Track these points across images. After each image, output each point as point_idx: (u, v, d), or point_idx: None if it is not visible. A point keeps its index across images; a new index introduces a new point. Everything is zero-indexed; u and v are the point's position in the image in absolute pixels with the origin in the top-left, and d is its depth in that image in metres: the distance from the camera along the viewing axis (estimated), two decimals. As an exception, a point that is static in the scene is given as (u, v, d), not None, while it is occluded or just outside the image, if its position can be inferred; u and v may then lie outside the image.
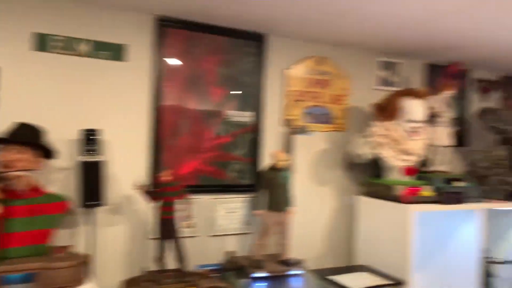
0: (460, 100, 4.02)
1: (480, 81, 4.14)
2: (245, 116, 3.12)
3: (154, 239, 2.64)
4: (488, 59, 3.68)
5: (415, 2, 2.43)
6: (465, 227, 3.24)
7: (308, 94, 3.34)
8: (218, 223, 3.06)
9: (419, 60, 3.82)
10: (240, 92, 3.09)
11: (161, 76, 2.84)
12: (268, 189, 2.79)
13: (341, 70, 3.46)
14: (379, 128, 3.16)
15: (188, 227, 2.59)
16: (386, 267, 3.05)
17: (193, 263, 2.87)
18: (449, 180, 3.29)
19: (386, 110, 3.13)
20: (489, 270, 3.39)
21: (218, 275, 2.84)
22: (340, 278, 2.89)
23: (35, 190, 2.36)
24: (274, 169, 2.81)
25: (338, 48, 3.45)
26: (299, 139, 3.23)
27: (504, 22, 2.71)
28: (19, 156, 2.28)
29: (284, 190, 2.81)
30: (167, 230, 2.54)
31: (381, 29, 2.96)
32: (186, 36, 2.91)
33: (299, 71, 3.30)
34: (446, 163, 3.51)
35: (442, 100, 3.38)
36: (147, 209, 2.83)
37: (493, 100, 4.23)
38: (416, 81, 3.80)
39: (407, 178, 3.20)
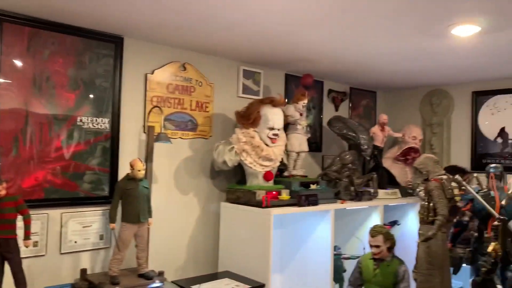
0: (315, 109, 4.33)
1: (331, 91, 4.53)
2: (101, 123, 2.92)
3: (-12, 263, 2.31)
4: (338, 71, 4.04)
5: (275, 14, 2.53)
6: (319, 227, 3.48)
7: (171, 101, 3.27)
8: (70, 239, 2.80)
9: (279, 70, 4.02)
10: (95, 96, 2.88)
11: (-2, 76, 2.50)
12: (125, 200, 2.64)
13: (205, 77, 3.46)
14: (242, 135, 3.23)
15: (28, 246, 2.31)
16: (248, 272, 3.11)
17: (41, 285, 2.59)
18: (304, 184, 3.51)
19: (248, 117, 3.22)
20: (341, 265, 3.68)
21: (69, 296, 2.60)
22: (202, 287, 2.86)
23: None
24: (131, 178, 2.67)
25: (201, 55, 3.45)
26: (161, 147, 3.13)
27: (352, 39, 2.99)
28: None
29: (143, 200, 2.69)
30: (2, 251, 2.23)
31: (242, 38, 3.03)
32: (29, 33, 2.61)
33: (161, 76, 3.21)
34: (302, 167, 3.74)
35: (297, 108, 3.59)
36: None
37: (343, 110, 4.66)
38: (276, 90, 3.99)
39: (267, 183, 3.33)
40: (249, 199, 3.19)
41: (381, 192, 3.99)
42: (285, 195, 3.28)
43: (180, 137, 3.33)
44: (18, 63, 2.58)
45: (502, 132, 4.15)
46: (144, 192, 2.70)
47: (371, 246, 3.12)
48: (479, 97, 4.33)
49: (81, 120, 2.83)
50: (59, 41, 2.73)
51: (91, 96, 2.87)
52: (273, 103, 3.28)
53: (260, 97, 3.79)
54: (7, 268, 2.26)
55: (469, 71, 3.93)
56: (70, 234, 2.80)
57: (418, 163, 3.23)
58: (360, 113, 4.84)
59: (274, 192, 3.20)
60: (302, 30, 2.82)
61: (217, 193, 3.56)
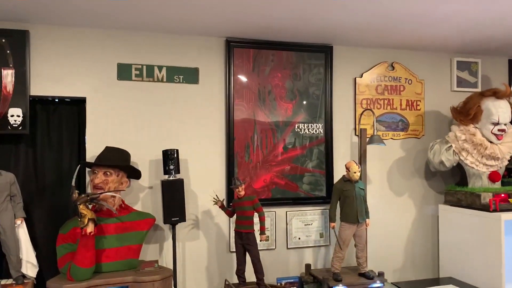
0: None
1: None
2: (316, 128, 3.12)
3: (234, 252, 2.73)
4: None
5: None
6: None
7: (380, 102, 3.27)
8: (294, 235, 3.07)
9: (501, 57, 3.58)
10: (309, 104, 3.10)
11: (233, 95, 2.94)
12: (342, 201, 2.76)
13: (414, 74, 3.34)
14: (460, 132, 3.00)
15: (264, 240, 2.63)
16: (474, 280, 2.86)
17: (272, 275, 2.92)
18: (542, 185, 3.04)
19: (468, 113, 2.97)
20: None
21: (297, 288, 2.86)
22: (425, 292, 2.77)
23: (124, 209, 2.55)
24: (347, 180, 2.77)
25: (410, 52, 3.34)
26: (372, 148, 3.16)
27: None
28: (107, 178, 2.48)
29: (360, 201, 2.76)
30: (243, 243, 2.61)
31: (453, 29, 2.82)
32: (253, 54, 2.99)
33: (369, 78, 3.25)
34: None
35: (528, 99, 3.13)
36: (227, 223, 2.93)
37: None
38: (498, 79, 3.56)
39: (493, 185, 3.00)
40: (472, 202, 2.93)
41: None
42: (517, 197, 2.90)
43: (391, 138, 3.30)
44: (246, 80, 2.98)
45: None
46: (361, 193, 2.77)
47: None
48: None
49: (298, 127, 3.08)
50: (277, 58, 3.04)
51: (306, 104, 3.10)
52: (496, 94, 2.94)
53: (479, 89, 3.44)
54: (248, 258, 2.63)
55: None
56: (294, 231, 3.07)
57: None
58: None
59: (503, 195, 2.86)
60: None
61: (434, 195, 3.39)
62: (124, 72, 2.77)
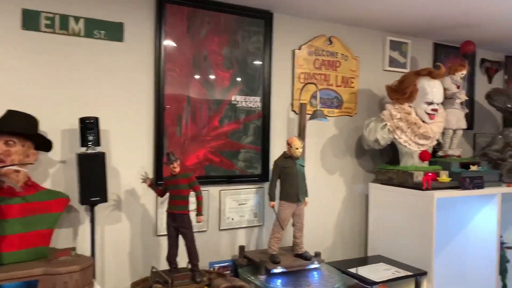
0: (465, 81, 3.89)
1: (485, 61, 4.03)
2: (253, 101, 2.89)
3: (164, 236, 2.42)
4: (494, 38, 3.54)
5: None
6: (481, 213, 3.13)
7: (317, 77, 3.14)
8: (228, 216, 2.85)
9: (427, 39, 3.66)
10: (247, 75, 2.86)
11: (164, 59, 2.58)
12: (283, 178, 2.59)
13: (350, 50, 3.27)
14: (396, 111, 2.99)
15: (201, 221, 2.37)
16: (404, 257, 2.91)
17: (204, 259, 2.67)
18: (463, 165, 3.18)
19: (403, 91, 2.97)
20: (504, 255, 3.29)
21: (232, 272, 2.65)
22: (360, 271, 2.73)
23: (30, 187, 2.10)
24: (289, 157, 2.60)
25: (347, 27, 3.25)
26: (307, 125, 3.03)
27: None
28: (9, 148, 2.01)
29: (301, 179, 2.61)
30: (177, 226, 2.32)
31: (390, 5, 2.77)
32: (189, 13, 2.65)
33: (308, 51, 3.09)
34: (458, 147, 3.39)
35: (454, 80, 3.23)
36: (154, 204, 2.60)
37: (496, 82, 4.13)
38: (424, 61, 3.65)
39: (422, 164, 3.06)
40: (404, 181, 2.96)
41: (551, 174, 3.46)
42: (444, 176, 2.99)
43: (326, 115, 3.19)
44: (179, 42, 2.63)
45: None
46: (302, 170, 2.62)
47: None
48: None
49: (235, 99, 2.83)
50: (215, 20, 2.74)
51: (244, 74, 2.85)
52: (432, 74, 2.97)
53: (408, 69, 3.50)
54: (181, 241, 2.34)
55: None
56: (227, 211, 2.84)
57: None
58: (518, 85, 4.26)
59: (433, 174, 2.92)
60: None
61: (363, 174, 3.38)
62: (30, 20, 2.25)
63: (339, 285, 2.47)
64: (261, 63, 2.90)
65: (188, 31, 2.66)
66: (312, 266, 2.64)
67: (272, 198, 2.60)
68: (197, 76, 2.70)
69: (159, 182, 2.52)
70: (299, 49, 3.06)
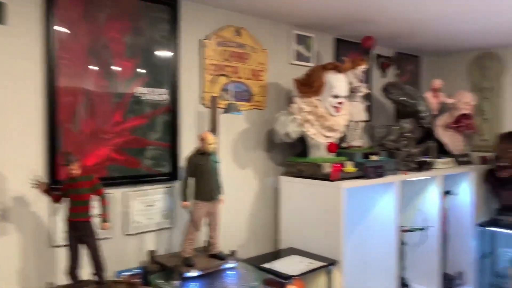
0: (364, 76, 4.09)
1: (380, 57, 4.29)
2: (160, 94, 2.69)
3: (63, 246, 2.13)
4: (387, 34, 3.76)
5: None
6: (382, 200, 3.31)
7: (227, 69, 3.04)
8: (134, 219, 2.62)
9: (329, 34, 3.77)
10: (153, 65, 2.65)
11: (55, 46, 2.26)
12: (197, 176, 2.45)
13: (259, 43, 3.22)
14: (304, 104, 3.01)
15: (105, 228, 2.12)
16: (314, 248, 2.96)
17: (111, 269, 2.42)
18: (367, 155, 3.32)
19: (311, 85, 2.99)
20: (401, 238, 3.53)
21: (143, 280, 2.44)
22: (275, 265, 2.71)
23: None
24: (202, 153, 2.46)
25: (255, 19, 3.19)
26: (220, 119, 2.91)
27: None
28: None
29: (215, 176, 2.49)
30: (79, 235, 2.05)
31: (295, 0, 2.78)
32: (84, -5, 2.36)
33: (217, 42, 2.96)
34: (360, 138, 3.55)
35: (356, 75, 3.36)
36: (47, 211, 2.28)
37: (389, 76, 4.42)
38: (327, 56, 3.75)
39: (330, 155, 3.13)
40: (313, 172, 3.00)
41: (438, 161, 3.80)
42: (350, 167, 3.09)
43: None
44: (74, 27, 2.33)
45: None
46: (216, 167, 2.50)
47: None
48: (536, 59, 4.10)
49: (140, 92, 2.60)
50: (115, 4, 2.47)
51: (149, 65, 2.63)
52: (337, 68, 3.04)
53: (313, 64, 3.56)
54: (84, 252, 2.08)
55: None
56: (134, 215, 2.61)
57: None
58: (407, 79, 4.61)
59: (340, 164, 3.01)
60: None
61: (273, 167, 3.37)
62: None
63: (256, 283, 2.41)
64: (168, 52, 2.71)
65: (84, 16, 2.36)
66: (228, 266, 2.54)
67: (185, 198, 2.44)
68: (95, 66, 2.41)
69: (54, 186, 2.20)
70: (208, 39, 2.92)
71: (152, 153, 2.68)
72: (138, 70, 2.58)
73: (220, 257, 2.55)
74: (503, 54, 4.32)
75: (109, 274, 2.38)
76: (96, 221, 2.10)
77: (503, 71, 4.34)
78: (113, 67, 2.48)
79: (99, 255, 2.09)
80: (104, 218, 2.09)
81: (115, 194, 2.52)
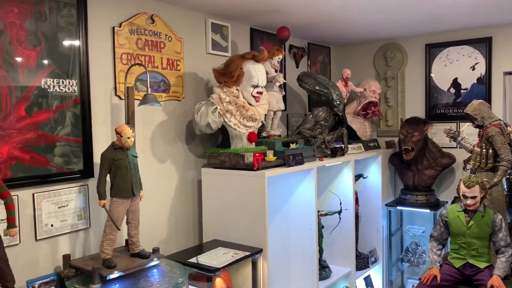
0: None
1: (293, 47, 4.39)
2: (69, 85, 2.48)
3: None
4: (299, 25, 3.86)
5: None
6: (301, 186, 3.41)
7: (141, 58, 2.89)
8: (45, 222, 2.40)
9: (244, 24, 3.76)
10: (60, 53, 2.43)
11: None
12: (114, 172, 2.30)
13: (174, 31, 3.11)
14: (224, 94, 2.97)
15: (14, 235, 1.92)
16: (238, 238, 2.96)
17: (22, 278, 2.20)
18: (285, 144, 3.39)
19: (231, 75, 2.96)
20: (319, 222, 3.68)
21: (58, 287, 2.25)
22: (200, 259, 2.67)
23: None
24: (119, 148, 2.32)
25: (169, 6, 3.07)
26: (137, 111, 2.77)
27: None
28: None
29: (134, 171, 2.37)
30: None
31: None
32: (-27, -27, 2.08)
33: (129, 30, 2.80)
34: (278, 127, 3.61)
35: (272, 64, 3.40)
36: None
37: (301, 66, 4.55)
38: (243, 46, 3.75)
39: (251, 145, 3.15)
40: (236, 163, 3.00)
41: (349, 147, 4.01)
42: (270, 156, 3.14)
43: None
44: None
45: (455, 83, 4.36)
46: (134, 162, 2.38)
47: (465, 197, 3.05)
48: (432, 49, 4.48)
49: (46, 83, 2.37)
50: (11, -15, 2.22)
51: (55, 53, 2.41)
52: (256, 58, 3.05)
53: (229, 53, 3.54)
54: (-13, 264, 1.86)
55: (422, 23, 4.00)
56: (45, 217, 2.39)
57: (472, 109, 3.34)
58: (318, 69, 4.79)
59: (261, 154, 3.03)
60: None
61: (195, 159, 3.31)
62: None
63: (183, 279, 2.35)
64: (75, 40, 2.50)
65: (-26, -4, 2.09)
66: (152, 264, 2.45)
67: (102, 196, 2.28)
68: (-9, 55, 2.15)
69: None
70: (120, 26, 2.75)
71: (62, 149, 2.47)
72: (43, 59, 2.35)
73: (143, 256, 2.44)
74: (405, 45, 4.66)
75: (19, 284, 2.17)
76: (1, 227, 1.89)
77: (404, 61, 4.69)
78: (13, 56, 2.23)
79: (6, 265, 1.89)
80: (11, 223, 1.88)
81: (22, 196, 2.29)
